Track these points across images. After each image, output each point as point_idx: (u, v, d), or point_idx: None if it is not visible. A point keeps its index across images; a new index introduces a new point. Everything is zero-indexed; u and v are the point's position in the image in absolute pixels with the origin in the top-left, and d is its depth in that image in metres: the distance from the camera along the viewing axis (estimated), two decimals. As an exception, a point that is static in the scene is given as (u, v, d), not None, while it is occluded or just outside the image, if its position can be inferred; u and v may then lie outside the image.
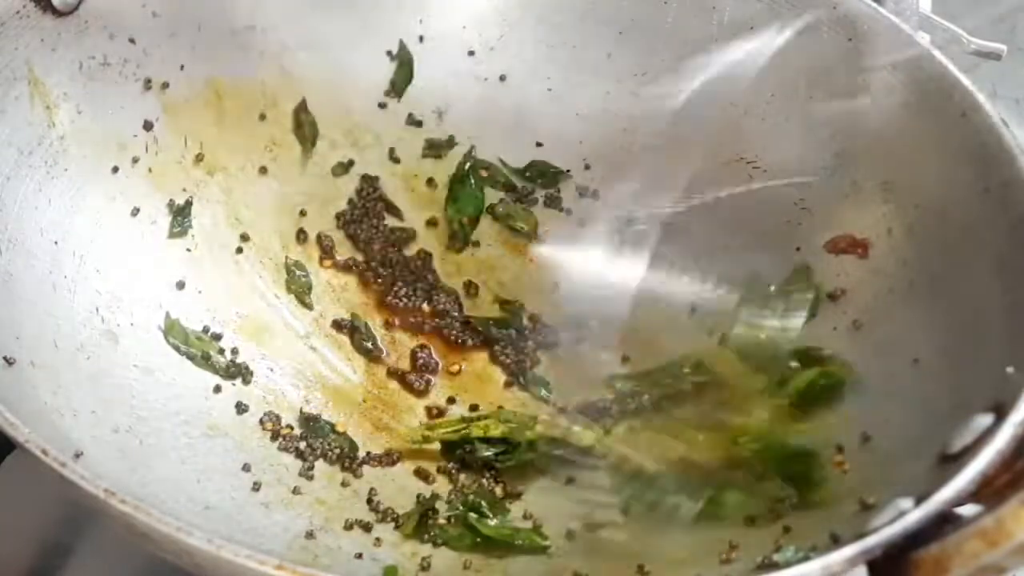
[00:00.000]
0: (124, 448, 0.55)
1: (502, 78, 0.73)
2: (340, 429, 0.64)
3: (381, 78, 0.73)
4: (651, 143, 0.71)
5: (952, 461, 0.47)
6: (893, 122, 0.63)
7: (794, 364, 0.61)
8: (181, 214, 0.67)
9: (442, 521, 0.59)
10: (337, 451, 0.62)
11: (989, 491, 0.44)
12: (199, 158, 0.68)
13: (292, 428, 0.63)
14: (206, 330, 0.64)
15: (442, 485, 0.62)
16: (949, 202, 0.59)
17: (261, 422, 0.62)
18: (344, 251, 0.72)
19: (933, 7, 0.73)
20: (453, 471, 0.62)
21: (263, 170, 0.70)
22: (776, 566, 0.47)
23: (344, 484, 0.61)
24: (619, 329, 0.68)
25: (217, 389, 0.62)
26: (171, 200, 0.66)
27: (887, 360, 0.58)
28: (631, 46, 0.72)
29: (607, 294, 0.69)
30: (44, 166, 0.60)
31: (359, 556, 0.56)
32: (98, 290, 0.61)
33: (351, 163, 0.73)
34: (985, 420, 0.47)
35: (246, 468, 0.59)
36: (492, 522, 0.58)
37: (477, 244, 0.72)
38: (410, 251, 0.72)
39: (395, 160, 0.73)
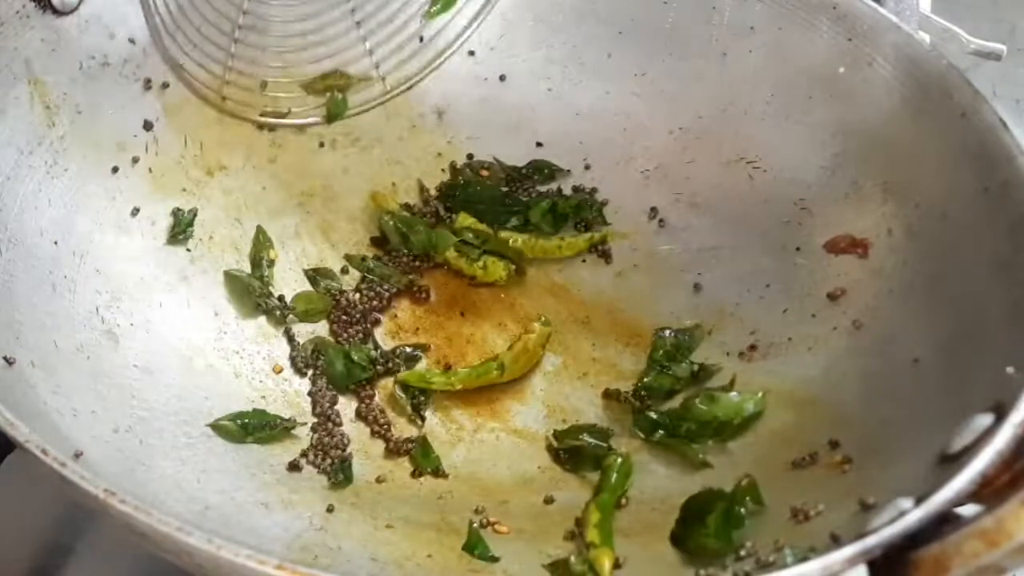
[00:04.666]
0: (124, 448, 0.55)
1: (502, 78, 0.73)
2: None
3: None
4: (651, 143, 0.71)
5: (952, 461, 0.47)
6: (893, 122, 0.63)
7: None
8: (181, 214, 0.67)
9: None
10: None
11: (989, 491, 0.44)
12: (199, 158, 0.68)
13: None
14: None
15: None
16: (949, 202, 0.59)
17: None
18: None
19: (933, 7, 0.73)
20: None
21: (263, 170, 0.70)
22: (776, 566, 0.47)
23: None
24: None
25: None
26: (171, 200, 0.66)
27: (887, 360, 0.58)
28: (631, 46, 0.72)
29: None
30: (44, 166, 0.61)
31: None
32: (98, 290, 0.61)
33: (352, 164, 0.73)
34: (985, 420, 0.47)
35: (246, 468, 0.59)
36: None
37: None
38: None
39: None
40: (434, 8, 0.72)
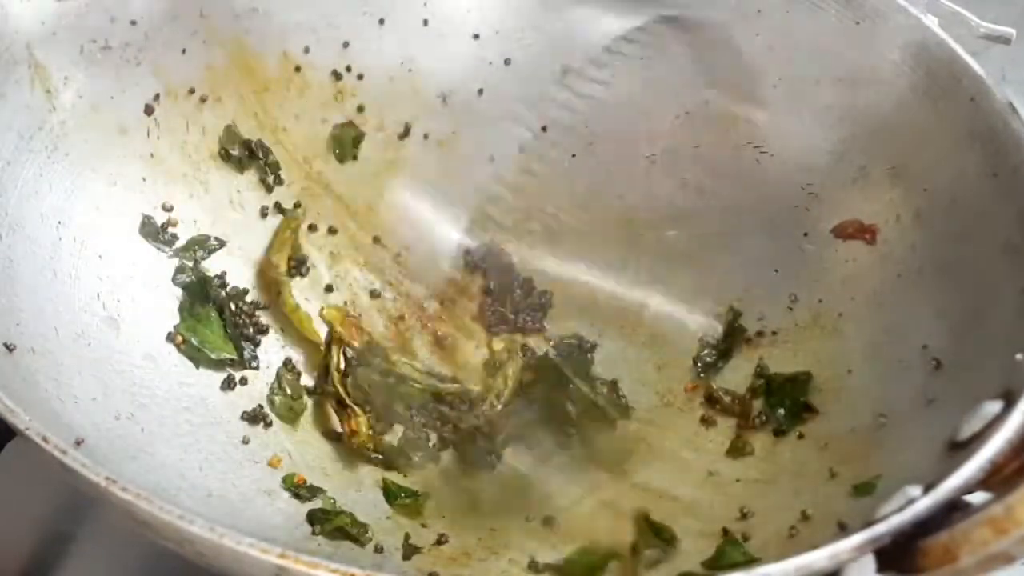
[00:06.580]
0: (125, 435, 0.55)
1: (507, 62, 0.73)
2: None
3: (385, 62, 0.73)
4: (657, 128, 0.71)
5: (961, 448, 0.47)
6: (901, 106, 0.63)
7: None
8: (183, 199, 0.66)
9: None
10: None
11: (998, 479, 0.44)
12: (200, 144, 0.68)
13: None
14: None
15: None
16: (958, 187, 0.59)
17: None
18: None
19: (942, -10, 0.73)
20: None
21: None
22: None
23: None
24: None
25: (229, 383, 0.63)
26: (172, 185, 0.66)
27: (896, 346, 0.58)
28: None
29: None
30: (45, 151, 0.60)
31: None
32: (99, 276, 0.61)
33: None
34: (994, 407, 0.47)
35: (249, 455, 0.59)
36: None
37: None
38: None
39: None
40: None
